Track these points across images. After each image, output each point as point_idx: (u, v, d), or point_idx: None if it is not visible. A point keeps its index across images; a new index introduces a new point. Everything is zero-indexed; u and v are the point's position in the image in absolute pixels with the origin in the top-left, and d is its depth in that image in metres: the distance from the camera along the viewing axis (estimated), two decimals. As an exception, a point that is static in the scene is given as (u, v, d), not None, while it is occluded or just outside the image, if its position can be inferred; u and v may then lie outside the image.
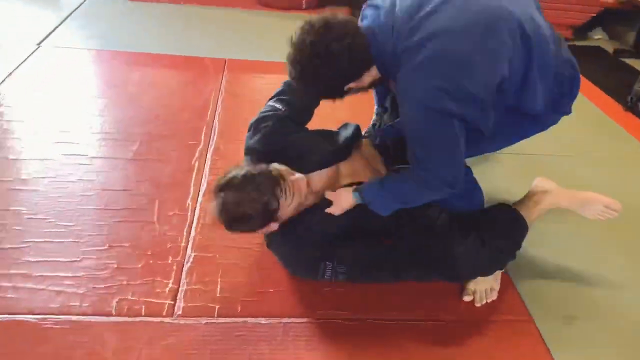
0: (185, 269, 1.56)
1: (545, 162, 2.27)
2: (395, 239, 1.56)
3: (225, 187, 1.39)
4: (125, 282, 1.49)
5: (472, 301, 1.55)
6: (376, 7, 1.38)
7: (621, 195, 1.67)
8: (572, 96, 1.48)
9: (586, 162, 2.32)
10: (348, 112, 2.02)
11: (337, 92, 1.41)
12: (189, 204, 1.81)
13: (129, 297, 1.44)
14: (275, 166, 1.46)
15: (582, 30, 4.09)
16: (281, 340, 1.37)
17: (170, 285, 1.50)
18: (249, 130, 1.62)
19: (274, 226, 1.44)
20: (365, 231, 1.55)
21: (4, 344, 1.29)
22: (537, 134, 1.58)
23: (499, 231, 1.56)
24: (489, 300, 1.56)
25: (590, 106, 2.85)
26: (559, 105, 1.47)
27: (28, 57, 2.72)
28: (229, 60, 2.91)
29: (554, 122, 1.54)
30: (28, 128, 2.14)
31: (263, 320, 1.42)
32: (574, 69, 1.46)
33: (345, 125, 1.73)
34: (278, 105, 1.63)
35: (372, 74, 1.38)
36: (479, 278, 1.57)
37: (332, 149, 1.61)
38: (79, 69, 2.71)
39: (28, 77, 2.54)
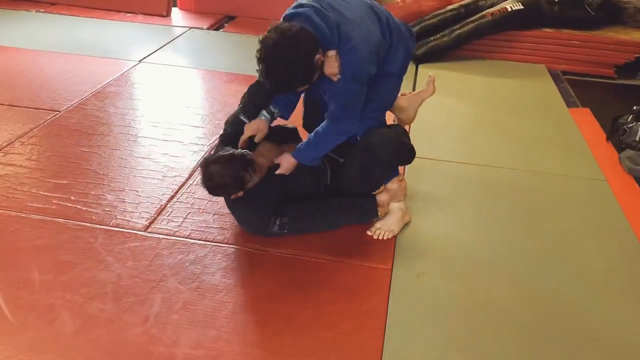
0: (168, 206, 2.31)
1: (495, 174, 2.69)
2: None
3: (213, 162, 1.95)
4: (126, 208, 2.28)
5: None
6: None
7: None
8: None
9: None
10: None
11: (311, 74, 1.89)
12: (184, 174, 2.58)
13: (123, 217, 2.23)
14: (248, 151, 2.04)
15: (630, 70, 4.22)
16: (205, 254, 2.04)
17: (152, 214, 2.25)
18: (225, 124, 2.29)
19: (241, 193, 2.06)
20: (299, 194, 2.19)
21: (50, 235, 2.12)
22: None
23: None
24: (383, 237, 2.13)
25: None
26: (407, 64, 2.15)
27: (129, 69, 3.75)
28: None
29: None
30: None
31: (199, 242, 2.11)
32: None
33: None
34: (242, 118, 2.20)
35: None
36: (386, 220, 2.16)
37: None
38: (160, 80, 3.67)
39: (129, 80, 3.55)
